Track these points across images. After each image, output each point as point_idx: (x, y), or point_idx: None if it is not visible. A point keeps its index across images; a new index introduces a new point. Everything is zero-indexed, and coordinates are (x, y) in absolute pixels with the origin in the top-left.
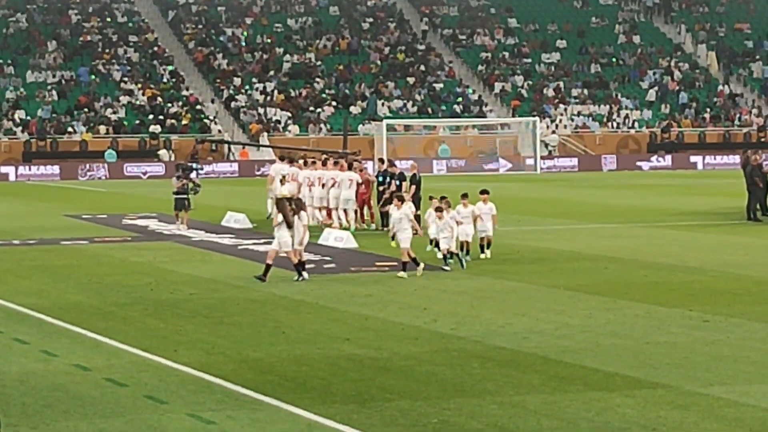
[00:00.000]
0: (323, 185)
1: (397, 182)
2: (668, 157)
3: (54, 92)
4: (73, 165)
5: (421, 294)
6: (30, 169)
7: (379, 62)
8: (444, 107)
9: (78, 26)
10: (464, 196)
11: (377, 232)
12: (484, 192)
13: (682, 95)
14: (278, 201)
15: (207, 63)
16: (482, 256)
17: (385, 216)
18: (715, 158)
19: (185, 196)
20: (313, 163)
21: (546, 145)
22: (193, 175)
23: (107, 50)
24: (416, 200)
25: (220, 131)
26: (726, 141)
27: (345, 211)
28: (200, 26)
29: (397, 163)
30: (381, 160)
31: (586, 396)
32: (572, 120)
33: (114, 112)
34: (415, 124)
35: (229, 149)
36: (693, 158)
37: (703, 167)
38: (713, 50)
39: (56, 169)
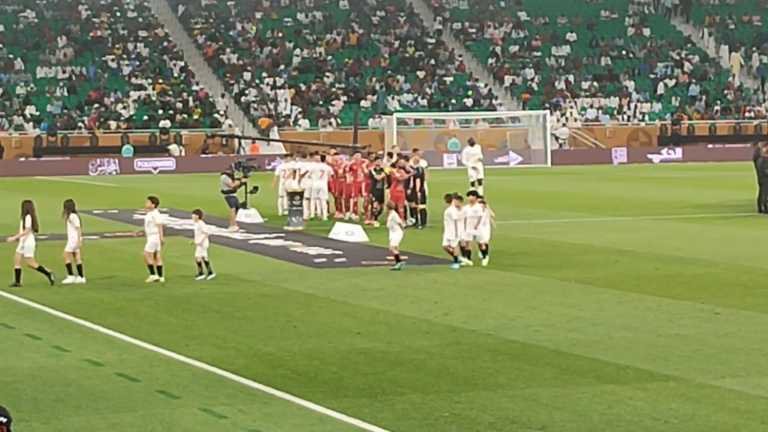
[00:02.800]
0: (301, 176)
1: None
2: (679, 150)
3: (64, 88)
4: (84, 160)
5: (433, 288)
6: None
7: (389, 56)
8: (454, 101)
9: (88, 21)
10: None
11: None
12: (472, 194)
13: (692, 88)
14: (24, 203)
15: (217, 58)
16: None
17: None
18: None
19: (235, 194)
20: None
21: (556, 138)
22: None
23: (117, 45)
24: (422, 193)
25: (230, 126)
26: (737, 133)
27: (318, 200)
28: (210, 21)
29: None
30: (390, 155)
31: (597, 389)
32: (582, 113)
33: (124, 108)
34: (425, 117)
35: (240, 144)
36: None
37: (714, 159)
38: (736, 51)
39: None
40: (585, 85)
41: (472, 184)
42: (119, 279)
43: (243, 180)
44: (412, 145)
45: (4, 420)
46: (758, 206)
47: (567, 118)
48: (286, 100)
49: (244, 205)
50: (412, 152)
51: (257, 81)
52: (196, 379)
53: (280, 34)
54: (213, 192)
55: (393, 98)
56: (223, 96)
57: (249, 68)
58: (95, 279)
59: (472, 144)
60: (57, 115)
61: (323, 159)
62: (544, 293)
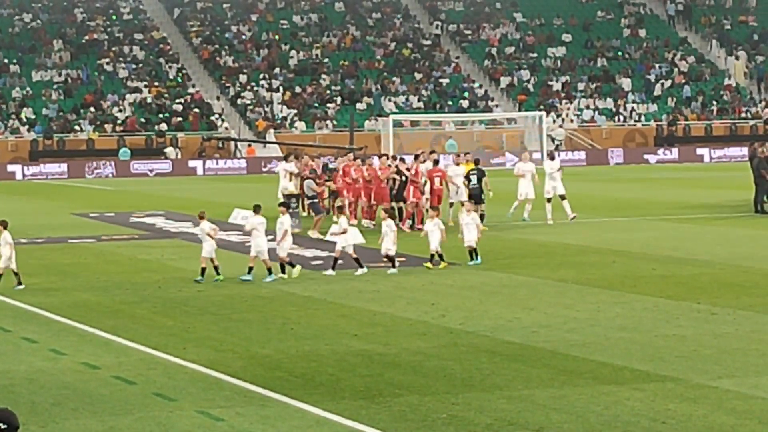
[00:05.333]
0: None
1: (403, 178)
2: (675, 150)
3: (60, 91)
4: (80, 163)
5: (430, 289)
6: (37, 168)
7: (384, 58)
8: (450, 102)
9: (83, 25)
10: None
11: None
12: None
13: (688, 88)
14: None
15: (213, 60)
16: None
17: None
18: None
19: (317, 200)
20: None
21: (552, 140)
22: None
23: (113, 48)
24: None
25: (226, 128)
26: (732, 134)
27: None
28: (206, 24)
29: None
30: (386, 155)
31: (594, 390)
32: (579, 114)
33: (120, 111)
34: (421, 119)
35: (236, 146)
36: (700, 151)
37: (710, 160)
38: (735, 57)
39: (63, 167)
40: (581, 86)
41: (549, 200)
42: (116, 282)
43: (327, 183)
44: (409, 147)
45: (4, 426)
46: (754, 206)
47: (563, 120)
48: (281, 103)
49: (328, 212)
50: (456, 156)
51: (253, 83)
52: (193, 382)
53: (276, 37)
54: (210, 194)
55: (389, 100)
56: (218, 99)
57: (245, 71)
58: (92, 282)
59: (552, 158)
60: (53, 119)
61: (286, 159)
62: (541, 294)
